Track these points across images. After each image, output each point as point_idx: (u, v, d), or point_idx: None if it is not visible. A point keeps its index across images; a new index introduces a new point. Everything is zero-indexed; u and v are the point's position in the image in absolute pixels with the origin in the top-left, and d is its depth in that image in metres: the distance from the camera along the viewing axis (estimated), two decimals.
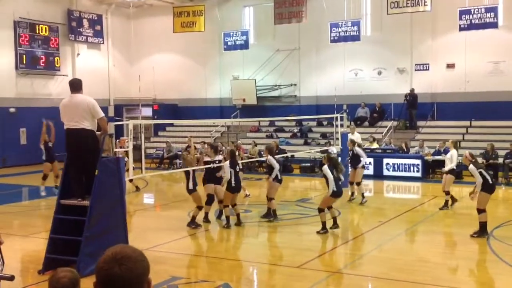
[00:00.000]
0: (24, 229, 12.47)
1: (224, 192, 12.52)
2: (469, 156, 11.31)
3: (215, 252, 10.68)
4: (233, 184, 12.20)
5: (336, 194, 11.57)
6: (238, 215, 12.46)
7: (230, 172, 12.19)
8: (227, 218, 12.25)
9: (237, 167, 12.49)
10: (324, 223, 11.48)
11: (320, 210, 11.59)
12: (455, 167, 14.43)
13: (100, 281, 2.10)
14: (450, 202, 14.29)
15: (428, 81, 24.97)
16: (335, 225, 11.71)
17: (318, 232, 11.42)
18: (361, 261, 9.73)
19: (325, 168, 11.51)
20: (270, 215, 12.99)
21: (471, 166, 11.01)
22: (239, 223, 12.35)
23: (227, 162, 12.39)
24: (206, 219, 12.67)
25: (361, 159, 15.64)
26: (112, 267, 2.07)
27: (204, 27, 26.44)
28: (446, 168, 14.45)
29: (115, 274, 2.07)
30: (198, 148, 24.58)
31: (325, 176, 11.62)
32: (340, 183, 11.68)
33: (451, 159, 14.27)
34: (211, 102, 29.88)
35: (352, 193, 15.58)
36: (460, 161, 15.11)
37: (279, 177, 13.02)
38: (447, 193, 14.30)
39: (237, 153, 14.04)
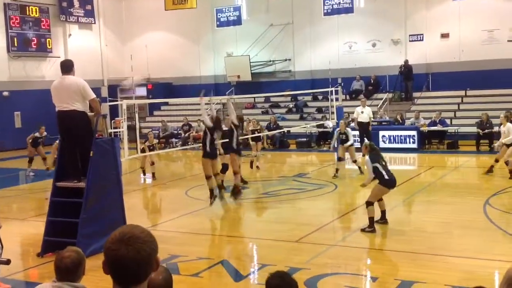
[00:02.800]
0: (22, 212, 12.50)
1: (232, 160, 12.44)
2: (368, 147, 10.31)
3: (213, 229, 10.73)
4: (208, 150, 11.97)
5: (388, 182, 9.90)
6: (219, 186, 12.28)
7: (206, 137, 11.94)
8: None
9: (215, 134, 12.17)
10: (371, 219, 9.72)
11: (369, 204, 9.82)
12: None
13: (108, 262, 2.10)
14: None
15: (422, 51, 24.87)
16: (383, 219, 10.11)
17: (363, 230, 9.71)
18: (358, 233, 9.79)
19: (367, 159, 10.12)
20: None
21: (366, 158, 10.22)
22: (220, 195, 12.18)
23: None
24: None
25: (349, 141, 15.44)
26: (119, 248, 2.06)
27: (196, 4, 26.19)
28: (503, 140, 14.36)
29: (123, 254, 2.06)
30: (193, 126, 24.71)
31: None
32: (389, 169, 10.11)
33: (509, 133, 14.21)
34: (206, 80, 29.71)
35: (337, 170, 15.39)
36: None
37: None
38: (507, 163, 14.26)
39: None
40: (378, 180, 9.94)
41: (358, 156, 15.31)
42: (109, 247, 2.09)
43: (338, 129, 15.96)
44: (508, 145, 14.24)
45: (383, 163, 9.97)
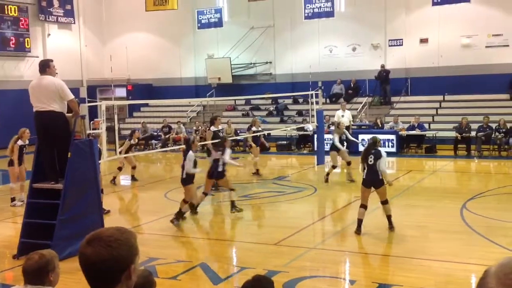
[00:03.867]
0: None
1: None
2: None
3: (192, 232, 10.68)
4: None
5: (363, 182, 9.92)
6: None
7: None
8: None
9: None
10: (358, 220, 9.75)
11: (360, 205, 9.89)
12: None
13: (79, 262, 2.06)
14: None
15: (401, 56, 25.10)
16: (390, 224, 9.89)
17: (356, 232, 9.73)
18: (337, 236, 9.83)
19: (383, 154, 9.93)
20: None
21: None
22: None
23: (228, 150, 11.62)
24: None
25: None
26: (83, 247, 2.03)
27: (177, 5, 26.08)
28: None
29: (84, 254, 2.02)
30: (173, 128, 24.60)
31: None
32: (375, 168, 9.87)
33: None
34: (186, 82, 29.64)
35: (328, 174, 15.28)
36: None
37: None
38: None
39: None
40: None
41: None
42: (79, 246, 2.07)
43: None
44: None
45: (369, 162, 9.84)
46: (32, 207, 8.99)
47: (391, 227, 9.85)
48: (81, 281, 2.20)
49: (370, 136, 20.35)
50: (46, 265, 3.63)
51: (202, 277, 7.88)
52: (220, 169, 11.47)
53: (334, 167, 15.19)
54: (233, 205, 11.63)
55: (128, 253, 2.04)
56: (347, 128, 19.34)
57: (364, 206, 9.82)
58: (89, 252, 2.02)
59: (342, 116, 19.69)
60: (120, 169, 15.71)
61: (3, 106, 24.92)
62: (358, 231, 9.69)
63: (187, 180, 10.89)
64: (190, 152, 10.90)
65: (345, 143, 15.22)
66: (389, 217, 9.90)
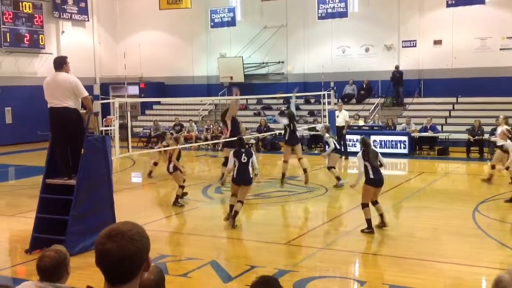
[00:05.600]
0: (11, 208, 12.42)
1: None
2: (361, 142, 10.26)
3: (202, 230, 10.70)
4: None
5: (373, 181, 9.86)
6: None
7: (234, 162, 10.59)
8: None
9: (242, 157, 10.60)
10: (368, 221, 9.75)
11: (363, 206, 9.87)
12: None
13: (96, 257, 2.08)
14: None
15: (415, 57, 24.99)
16: (382, 223, 10.05)
17: (362, 231, 9.80)
18: (347, 237, 9.81)
19: (359, 155, 10.01)
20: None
21: (358, 154, 10.07)
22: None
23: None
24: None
25: (327, 148, 15.01)
26: (105, 243, 2.05)
27: (190, 4, 26.15)
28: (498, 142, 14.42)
29: (107, 250, 2.04)
30: (185, 126, 24.68)
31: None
32: (381, 169, 10.07)
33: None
34: (198, 80, 29.70)
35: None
36: None
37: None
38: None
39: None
40: (364, 179, 10.01)
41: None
42: (97, 243, 2.08)
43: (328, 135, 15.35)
44: (502, 150, 14.10)
45: (372, 161, 9.88)
46: (44, 202, 9.07)
47: (383, 225, 10.04)
48: (94, 276, 2.23)
49: (382, 137, 20.51)
50: (64, 260, 3.66)
51: (212, 275, 7.90)
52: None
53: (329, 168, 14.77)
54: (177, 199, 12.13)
55: (147, 246, 2.12)
56: (342, 128, 19.53)
57: (368, 205, 9.88)
58: (113, 248, 2.04)
59: (337, 116, 19.83)
60: (156, 164, 16.29)
61: (16, 102, 25.15)
62: (372, 230, 9.75)
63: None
64: None
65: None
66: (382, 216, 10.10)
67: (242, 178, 10.46)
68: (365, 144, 10.10)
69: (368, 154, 9.98)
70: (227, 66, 28.28)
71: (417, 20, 24.88)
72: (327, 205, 13.10)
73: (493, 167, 14.62)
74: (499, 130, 14.71)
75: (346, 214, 11.90)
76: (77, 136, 8.79)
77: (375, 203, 10.06)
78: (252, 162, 10.56)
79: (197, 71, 30.01)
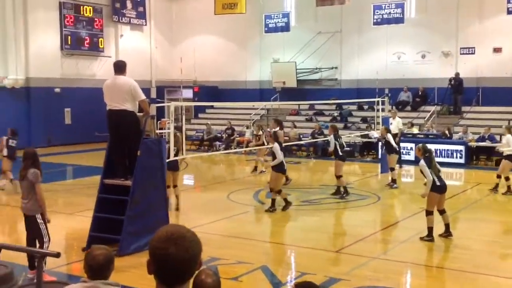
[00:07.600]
0: (68, 207, 12.82)
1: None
2: (421, 149, 9.99)
3: (253, 234, 10.73)
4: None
5: (439, 188, 9.71)
6: (285, 199, 12.33)
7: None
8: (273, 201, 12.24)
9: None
10: (429, 229, 9.69)
11: (427, 213, 9.74)
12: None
13: (155, 261, 2.11)
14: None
15: (473, 65, 24.32)
16: (447, 232, 9.91)
17: (422, 239, 9.76)
18: (400, 247, 9.64)
19: (422, 163, 9.74)
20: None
21: (421, 162, 9.79)
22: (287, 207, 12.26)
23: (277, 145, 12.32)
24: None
25: (383, 150, 15.48)
26: (167, 247, 2.08)
27: (245, 9, 26.30)
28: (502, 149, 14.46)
29: (171, 253, 2.08)
30: (241, 130, 24.85)
31: (422, 172, 9.83)
32: (440, 175, 9.89)
33: (508, 144, 14.07)
34: (251, 85, 29.86)
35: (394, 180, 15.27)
36: None
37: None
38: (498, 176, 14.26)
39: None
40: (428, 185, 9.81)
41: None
42: (158, 247, 2.10)
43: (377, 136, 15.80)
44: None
45: (435, 168, 9.80)
46: (102, 202, 9.31)
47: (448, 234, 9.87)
48: (146, 276, 2.26)
49: (437, 146, 20.04)
50: (113, 256, 3.76)
51: (263, 279, 7.91)
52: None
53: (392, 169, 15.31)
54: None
55: (201, 248, 2.18)
56: (396, 135, 18.99)
57: (432, 213, 9.74)
58: (177, 251, 2.09)
59: (391, 124, 19.43)
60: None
61: (76, 103, 25.94)
62: (432, 238, 9.66)
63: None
64: None
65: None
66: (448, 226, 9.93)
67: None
68: (428, 151, 9.98)
69: (432, 161, 9.87)
70: (280, 71, 28.32)
71: (476, 26, 24.22)
72: (380, 214, 12.91)
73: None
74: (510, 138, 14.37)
75: (400, 223, 11.69)
76: (134, 138, 9.00)
77: (442, 212, 9.88)
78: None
79: (250, 76, 30.19)
